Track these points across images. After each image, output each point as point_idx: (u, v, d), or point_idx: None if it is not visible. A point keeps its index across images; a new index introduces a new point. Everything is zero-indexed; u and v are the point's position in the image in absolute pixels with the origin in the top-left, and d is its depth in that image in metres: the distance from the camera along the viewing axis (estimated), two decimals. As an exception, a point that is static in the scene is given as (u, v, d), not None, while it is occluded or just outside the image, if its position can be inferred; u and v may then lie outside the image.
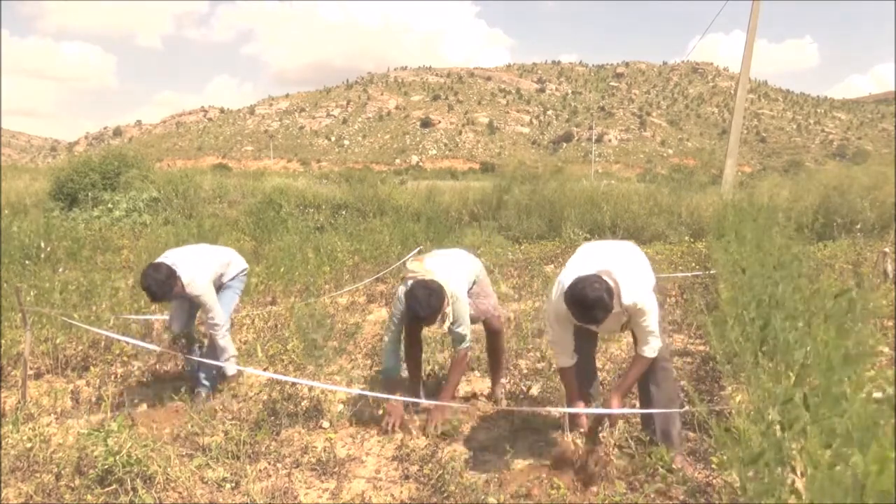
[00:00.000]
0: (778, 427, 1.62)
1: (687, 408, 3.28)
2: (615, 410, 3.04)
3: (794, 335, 2.24)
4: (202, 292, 3.77)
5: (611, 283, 2.81)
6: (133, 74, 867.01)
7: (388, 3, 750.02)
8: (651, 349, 2.98)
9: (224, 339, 3.88)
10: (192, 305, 4.05)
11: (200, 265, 3.84)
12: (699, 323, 5.24)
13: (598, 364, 4.07)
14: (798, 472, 1.62)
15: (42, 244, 7.54)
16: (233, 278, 4.21)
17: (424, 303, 3.29)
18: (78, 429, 3.36)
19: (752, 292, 3.27)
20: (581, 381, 3.22)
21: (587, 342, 3.30)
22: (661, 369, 3.15)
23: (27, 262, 6.99)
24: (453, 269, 3.64)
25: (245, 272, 4.34)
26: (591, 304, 2.70)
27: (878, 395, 1.46)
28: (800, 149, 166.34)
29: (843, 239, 9.83)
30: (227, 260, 4.19)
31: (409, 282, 3.50)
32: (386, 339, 3.69)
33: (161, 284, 3.56)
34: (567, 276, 2.95)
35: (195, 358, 3.97)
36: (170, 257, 3.80)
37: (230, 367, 3.92)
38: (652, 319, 2.93)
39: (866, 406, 1.33)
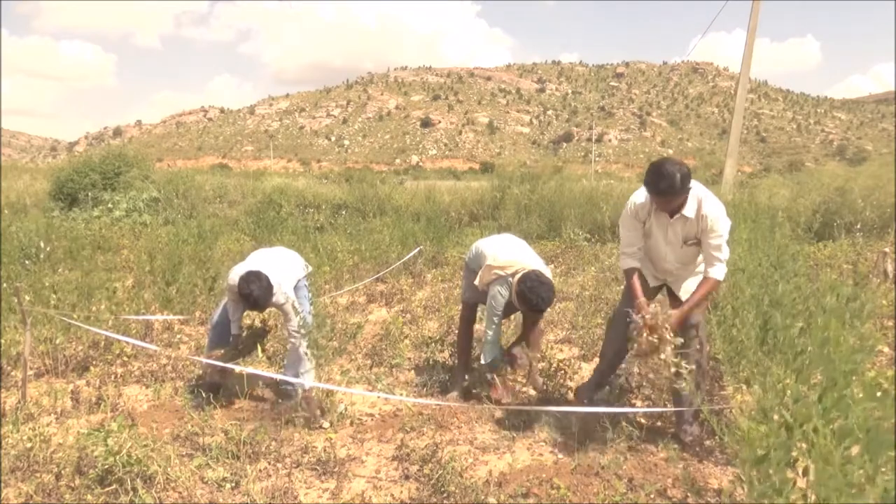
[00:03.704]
0: (784, 428, 1.62)
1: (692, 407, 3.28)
2: (620, 410, 3.06)
3: (794, 334, 2.24)
4: (285, 301, 3.76)
5: (697, 187, 3.13)
6: (133, 74, 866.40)
7: (388, 2, 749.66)
8: (717, 271, 3.13)
9: (304, 349, 3.75)
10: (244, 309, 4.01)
11: (283, 273, 3.86)
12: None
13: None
14: (800, 472, 1.62)
15: (42, 244, 7.53)
16: (302, 278, 4.18)
17: (547, 298, 3.62)
18: (78, 429, 3.36)
19: (751, 292, 3.28)
20: (619, 342, 3.42)
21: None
22: (694, 350, 3.25)
23: (27, 262, 6.99)
24: (530, 249, 3.99)
25: (309, 272, 4.30)
26: (663, 174, 2.99)
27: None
28: (800, 149, 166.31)
29: (843, 239, 9.82)
30: (298, 265, 4.18)
31: (513, 277, 3.73)
32: (490, 333, 3.85)
33: (266, 292, 3.57)
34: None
35: (227, 365, 3.90)
36: (256, 265, 3.79)
37: (308, 380, 3.77)
38: (722, 240, 3.11)
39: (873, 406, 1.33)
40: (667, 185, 2.99)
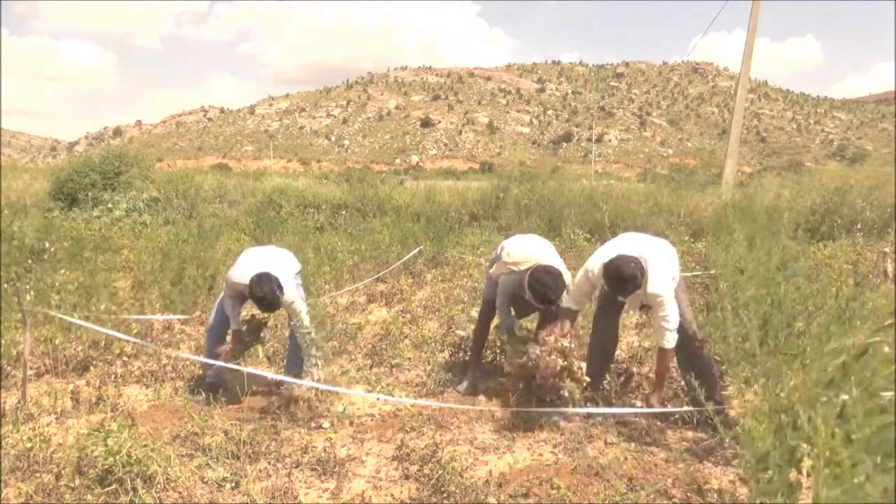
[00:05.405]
0: (790, 428, 1.61)
1: (687, 408, 3.28)
2: (620, 410, 3.08)
3: (797, 337, 2.23)
4: (294, 298, 3.81)
5: (644, 267, 3.32)
6: (133, 74, 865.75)
7: (388, 2, 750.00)
8: (668, 341, 3.33)
9: (311, 343, 3.82)
10: (242, 304, 4.03)
11: (285, 271, 3.88)
12: (699, 323, 5.23)
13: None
14: (805, 472, 1.61)
15: (46, 244, 7.52)
16: (295, 275, 4.17)
17: (553, 286, 3.63)
18: (78, 429, 3.36)
19: (751, 292, 3.27)
20: (606, 345, 3.73)
21: (613, 314, 3.72)
22: (695, 356, 3.45)
23: (29, 261, 6.98)
24: (550, 249, 4.07)
25: (300, 271, 4.30)
26: (626, 279, 3.26)
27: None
28: (800, 149, 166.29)
29: (843, 239, 9.82)
30: (293, 262, 4.19)
31: (521, 274, 3.80)
32: (499, 309, 4.06)
33: (275, 293, 3.62)
34: (606, 253, 3.46)
35: (228, 365, 3.88)
36: (258, 264, 3.78)
37: (317, 372, 3.87)
38: (670, 311, 3.31)
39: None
40: (633, 287, 3.29)
